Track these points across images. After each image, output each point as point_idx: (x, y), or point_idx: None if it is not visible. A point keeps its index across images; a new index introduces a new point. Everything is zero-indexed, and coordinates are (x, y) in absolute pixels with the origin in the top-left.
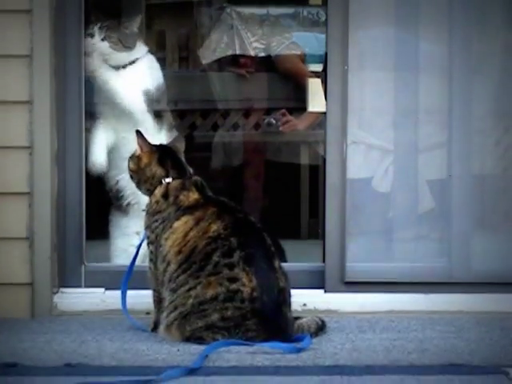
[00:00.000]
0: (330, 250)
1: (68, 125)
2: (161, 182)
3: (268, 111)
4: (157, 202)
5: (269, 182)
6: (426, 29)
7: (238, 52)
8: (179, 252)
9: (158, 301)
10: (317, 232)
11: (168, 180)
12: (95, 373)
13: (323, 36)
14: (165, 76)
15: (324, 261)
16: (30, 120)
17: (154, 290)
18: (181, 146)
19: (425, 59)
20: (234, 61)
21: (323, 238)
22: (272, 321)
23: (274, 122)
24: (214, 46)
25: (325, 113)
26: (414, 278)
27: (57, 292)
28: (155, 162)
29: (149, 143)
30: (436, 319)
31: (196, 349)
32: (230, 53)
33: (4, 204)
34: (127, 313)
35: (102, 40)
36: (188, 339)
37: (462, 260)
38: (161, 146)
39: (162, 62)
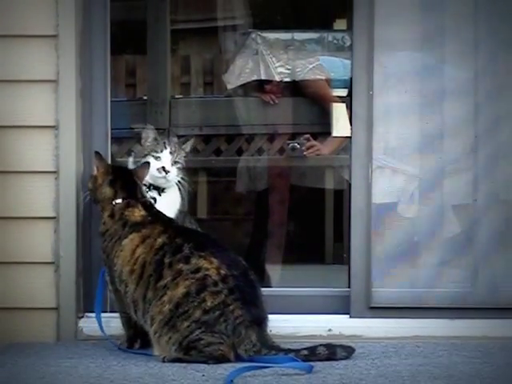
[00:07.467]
0: (355, 274)
1: (94, 149)
2: (111, 203)
3: (293, 136)
4: (104, 222)
5: (294, 206)
6: (451, 53)
7: (262, 77)
8: (132, 271)
9: (128, 319)
10: (342, 257)
11: (117, 201)
12: None
13: (348, 61)
14: (190, 101)
15: (349, 286)
16: (56, 145)
17: (121, 311)
18: (142, 172)
19: (450, 84)
20: (258, 86)
21: (348, 262)
22: (251, 296)
23: (298, 146)
24: (239, 71)
25: (349, 137)
26: (439, 304)
27: (82, 317)
28: (107, 183)
29: (106, 164)
30: (461, 344)
31: (221, 374)
32: (254, 78)
33: (30, 228)
34: (105, 334)
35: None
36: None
37: (486, 285)
38: (118, 167)
39: (187, 87)
